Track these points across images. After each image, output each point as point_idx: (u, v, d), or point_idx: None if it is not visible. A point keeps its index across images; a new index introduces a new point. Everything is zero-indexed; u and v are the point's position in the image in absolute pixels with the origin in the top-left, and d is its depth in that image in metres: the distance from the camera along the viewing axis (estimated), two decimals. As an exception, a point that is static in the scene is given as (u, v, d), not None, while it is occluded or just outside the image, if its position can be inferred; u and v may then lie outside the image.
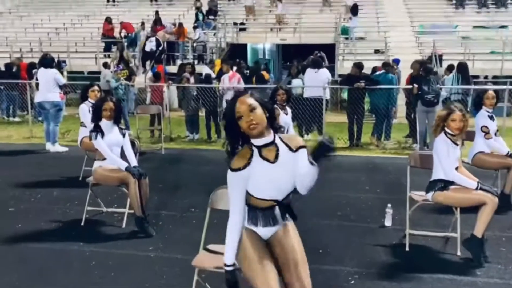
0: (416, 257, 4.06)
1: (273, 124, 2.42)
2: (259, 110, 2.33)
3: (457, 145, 4.02)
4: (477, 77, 15.95)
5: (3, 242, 4.26)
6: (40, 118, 10.58)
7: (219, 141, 9.73)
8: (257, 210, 2.45)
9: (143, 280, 3.59)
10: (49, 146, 8.44)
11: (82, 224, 4.71)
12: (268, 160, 2.38)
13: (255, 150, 2.38)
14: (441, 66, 14.04)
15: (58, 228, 4.68)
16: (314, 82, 9.47)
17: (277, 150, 2.40)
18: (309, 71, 9.70)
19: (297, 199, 2.55)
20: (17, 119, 12.79)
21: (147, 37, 16.01)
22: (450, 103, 4.22)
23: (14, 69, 13.20)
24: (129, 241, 4.33)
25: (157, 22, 18.28)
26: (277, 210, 2.48)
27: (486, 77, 16.56)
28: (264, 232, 2.50)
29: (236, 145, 2.40)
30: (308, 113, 9.53)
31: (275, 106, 5.94)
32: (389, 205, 4.85)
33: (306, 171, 2.37)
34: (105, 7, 23.35)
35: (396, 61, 11.94)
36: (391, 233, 4.60)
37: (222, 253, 2.92)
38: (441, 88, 8.27)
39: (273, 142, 2.40)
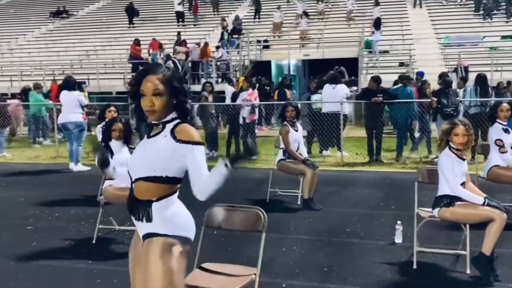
0: (424, 275, 3.97)
1: (178, 113, 2.25)
2: (164, 99, 2.17)
3: (463, 159, 3.93)
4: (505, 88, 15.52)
5: (16, 259, 4.40)
6: (64, 138, 10.91)
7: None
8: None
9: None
10: (72, 166, 8.71)
11: (94, 242, 4.82)
12: (148, 136, 2.30)
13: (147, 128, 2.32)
14: (467, 78, 13.75)
15: (70, 246, 4.81)
16: (332, 98, 9.46)
17: (161, 130, 2.25)
18: (327, 86, 9.72)
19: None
20: (47, 142, 13.17)
21: (165, 61, 16.30)
22: (455, 117, 4.15)
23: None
24: (137, 259, 4.40)
25: (182, 43, 18.63)
26: (132, 199, 2.28)
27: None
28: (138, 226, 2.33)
29: (139, 120, 2.28)
30: (326, 129, 9.50)
31: (285, 123, 6.01)
32: (398, 222, 4.77)
33: (200, 172, 2.20)
34: (132, 28, 24.06)
35: (421, 74, 11.76)
36: (401, 250, 4.51)
37: (216, 272, 2.94)
38: (460, 101, 8.12)
39: (164, 123, 2.24)
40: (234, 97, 10.50)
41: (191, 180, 2.24)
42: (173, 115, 2.25)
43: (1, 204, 6.53)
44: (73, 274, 4.08)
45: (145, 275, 2.20)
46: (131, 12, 24.03)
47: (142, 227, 2.30)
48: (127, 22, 24.26)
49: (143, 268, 2.22)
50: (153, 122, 2.26)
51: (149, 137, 2.31)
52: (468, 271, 3.92)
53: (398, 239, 4.70)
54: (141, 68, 2.50)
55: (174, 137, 2.21)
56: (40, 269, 4.20)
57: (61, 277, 4.03)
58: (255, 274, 2.86)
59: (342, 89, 9.59)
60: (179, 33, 19.45)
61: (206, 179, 2.21)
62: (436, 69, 14.55)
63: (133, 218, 2.32)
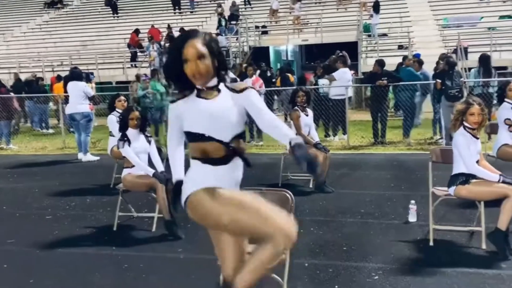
0: (440, 251, 4.08)
1: (220, 74, 2.33)
2: (208, 60, 2.21)
3: (477, 138, 4.03)
4: (504, 68, 15.62)
5: (41, 248, 4.49)
6: (71, 129, 10.98)
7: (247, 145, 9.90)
8: (207, 160, 2.30)
9: (173, 280, 3.74)
10: (81, 156, 8.78)
11: (114, 229, 4.91)
12: (205, 98, 2.30)
13: (194, 91, 2.31)
14: (466, 58, 13.84)
15: (91, 233, 4.90)
16: (345, 82, 9.51)
17: (218, 92, 2.33)
18: (341, 71, 9.68)
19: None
20: (51, 131, 13.29)
21: (160, 52, 16.23)
22: (469, 97, 4.23)
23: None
24: (159, 244, 4.50)
25: (180, 31, 18.51)
26: (229, 155, 2.31)
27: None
28: (226, 176, 2.34)
29: (180, 85, 2.29)
30: (333, 113, 9.59)
31: (296, 107, 6.09)
32: (412, 201, 4.88)
33: (261, 109, 2.32)
34: (130, 16, 23.92)
35: (417, 56, 11.78)
36: (415, 229, 4.63)
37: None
38: (465, 82, 8.19)
39: (215, 87, 2.32)
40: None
41: (258, 121, 2.34)
42: (215, 79, 2.31)
43: (17, 194, 6.61)
44: (99, 260, 4.18)
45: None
46: (111, 4, 23.89)
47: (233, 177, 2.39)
48: (116, 13, 24.08)
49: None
50: (203, 87, 2.29)
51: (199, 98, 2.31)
52: (484, 246, 4.04)
53: (412, 218, 4.82)
54: (178, 35, 2.51)
55: (234, 90, 2.33)
56: (65, 257, 4.29)
57: (88, 263, 4.12)
58: (284, 253, 2.95)
59: (349, 73, 9.71)
60: (169, 25, 19.27)
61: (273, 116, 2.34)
62: (436, 51, 14.61)
63: (226, 167, 2.33)
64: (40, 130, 13.54)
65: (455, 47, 15.11)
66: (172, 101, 2.34)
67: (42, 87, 13.92)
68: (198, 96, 2.31)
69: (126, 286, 3.70)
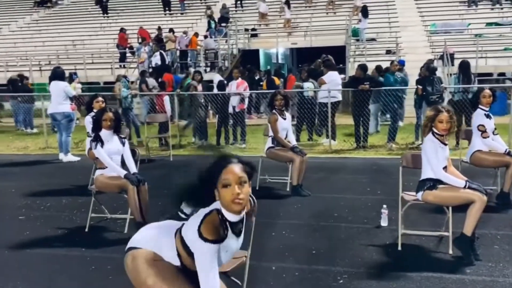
0: (408, 256, 4.11)
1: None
2: (247, 187, 2.15)
3: (445, 144, 4.07)
4: (490, 74, 15.79)
5: (10, 249, 4.46)
6: (55, 129, 10.93)
7: (227, 147, 9.91)
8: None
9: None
10: (62, 156, 8.73)
11: (86, 230, 4.90)
12: (236, 235, 2.25)
13: (228, 226, 2.19)
14: (452, 65, 13.94)
15: (63, 234, 4.88)
16: (335, 86, 9.56)
17: (242, 226, 2.28)
18: (332, 74, 9.73)
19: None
20: (35, 130, 13.21)
21: (151, 55, 16.19)
22: (434, 104, 4.27)
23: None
24: (130, 246, 4.48)
25: (170, 31, 18.53)
26: None
27: (501, 74, 16.36)
28: None
29: (200, 204, 2.22)
30: (321, 117, 9.65)
31: (274, 111, 6.11)
32: (384, 205, 4.91)
33: None
34: (120, 17, 23.87)
35: (401, 62, 11.84)
36: (386, 233, 4.66)
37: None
38: (445, 88, 8.27)
39: (242, 220, 2.26)
40: (221, 86, 10.55)
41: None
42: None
43: (-8, 195, 6.56)
44: (68, 261, 4.17)
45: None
46: (101, 4, 23.84)
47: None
48: (106, 13, 24.01)
49: None
50: (236, 220, 2.21)
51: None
52: (450, 252, 4.08)
53: (384, 222, 4.85)
54: (213, 157, 2.30)
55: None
56: (34, 257, 4.27)
57: (56, 264, 4.10)
58: (245, 256, 2.97)
59: (338, 77, 9.80)
60: (159, 27, 19.21)
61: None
62: (423, 57, 14.72)
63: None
64: (24, 130, 13.45)
65: (441, 53, 15.24)
66: (212, 241, 2.12)
67: (26, 86, 13.82)
68: (233, 231, 2.22)
69: (91, 287, 3.69)
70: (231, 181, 2.10)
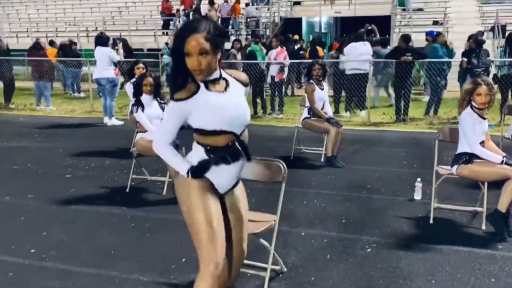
0: (439, 229, 4.12)
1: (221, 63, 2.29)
2: (210, 57, 2.16)
3: (484, 118, 3.99)
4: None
5: (57, 204, 4.77)
6: (100, 94, 11.31)
7: (264, 117, 9.97)
8: (214, 150, 2.30)
9: (175, 240, 3.92)
10: (106, 120, 9.07)
11: (127, 190, 5.16)
12: (216, 91, 2.26)
13: (201, 84, 2.24)
14: (503, 37, 13.28)
15: (105, 193, 5.15)
16: (355, 57, 9.36)
17: (227, 82, 2.30)
18: (352, 46, 9.55)
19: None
20: (82, 94, 13.71)
21: None
22: (478, 77, 4.16)
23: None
24: (167, 207, 4.69)
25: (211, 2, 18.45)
26: (236, 146, 2.33)
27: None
28: (224, 180, 2.38)
29: (180, 80, 2.22)
30: (348, 89, 9.51)
31: (311, 81, 6.10)
32: (418, 179, 4.89)
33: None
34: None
35: (431, 33, 11.21)
36: (419, 206, 4.66)
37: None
38: (492, 61, 7.95)
39: (220, 77, 2.28)
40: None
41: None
42: (218, 71, 2.28)
43: (42, 154, 6.96)
44: (109, 218, 4.42)
45: (244, 214, 2.50)
46: None
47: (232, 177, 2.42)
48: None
49: (242, 209, 2.49)
50: (208, 79, 2.24)
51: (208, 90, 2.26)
52: (483, 227, 4.05)
53: (417, 195, 4.84)
54: (181, 25, 2.45)
55: (243, 83, 2.38)
56: (78, 213, 4.56)
57: (98, 221, 4.37)
58: (274, 220, 3.07)
59: (362, 48, 9.50)
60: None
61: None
62: (472, 28, 14.06)
63: (228, 163, 2.34)
64: (72, 94, 13.98)
65: (492, 25, 14.52)
66: (177, 99, 2.21)
67: (75, 51, 14.27)
68: (207, 88, 2.25)
69: (130, 243, 3.92)
70: (191, 51, 2.14)
